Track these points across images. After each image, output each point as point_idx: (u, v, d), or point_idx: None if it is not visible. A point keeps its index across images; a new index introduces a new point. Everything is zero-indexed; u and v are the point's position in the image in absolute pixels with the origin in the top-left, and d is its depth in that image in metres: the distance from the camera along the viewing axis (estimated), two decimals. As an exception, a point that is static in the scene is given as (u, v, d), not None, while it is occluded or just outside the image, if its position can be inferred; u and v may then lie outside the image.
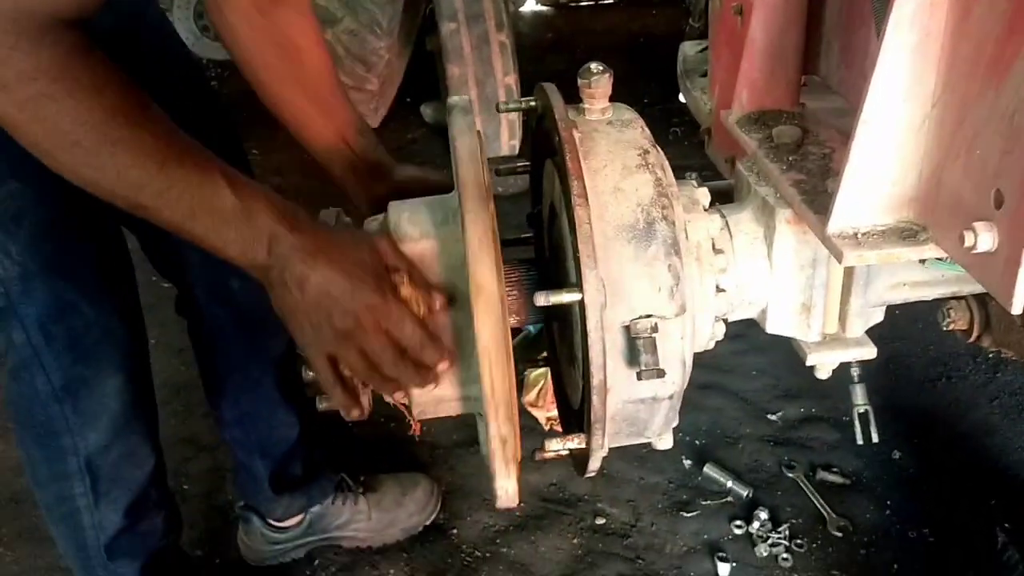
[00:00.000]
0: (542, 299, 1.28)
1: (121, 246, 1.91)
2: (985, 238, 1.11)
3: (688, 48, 3.00)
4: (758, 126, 1.66)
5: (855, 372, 2.12)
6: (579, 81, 1.43)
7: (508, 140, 4.25)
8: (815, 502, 2.59)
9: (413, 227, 1.41)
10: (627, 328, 1.34)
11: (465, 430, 2.91)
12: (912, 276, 1.53)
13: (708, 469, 2.67)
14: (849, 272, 1.49)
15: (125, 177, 1.11)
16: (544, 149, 1.51)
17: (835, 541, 2.49)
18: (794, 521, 2.54)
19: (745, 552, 2.46)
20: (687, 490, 2.67)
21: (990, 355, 3.09)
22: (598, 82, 1.42)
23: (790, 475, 2.68)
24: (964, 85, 1.16)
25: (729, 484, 2.63)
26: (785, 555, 2.43)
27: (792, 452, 2.78)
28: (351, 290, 1.24)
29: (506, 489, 1.34)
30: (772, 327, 1.55)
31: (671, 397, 1.40)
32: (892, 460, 2.74)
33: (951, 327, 1.80)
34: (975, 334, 1.77)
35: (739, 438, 2.85)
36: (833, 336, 1.55)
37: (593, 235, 1.26)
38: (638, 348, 1.32)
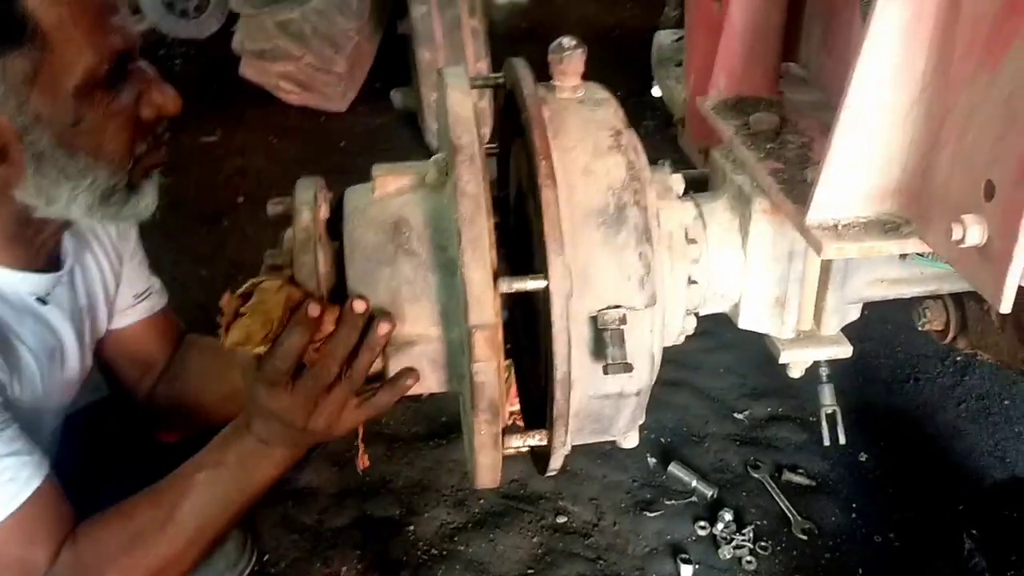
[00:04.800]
0: (504, 286, 1.19)
1: None
2: (974, 231, 1.04)
3: (663, 37, 2.93)
4: (735, 113, 1.59)
5: (823, 372, 2.06)
6: (550, 56, 1.35)
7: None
8: (780, 504, 2.54)
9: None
10: (594, 319, 1.26)
11: (424, 423, 2.83)
12: (891, 272, 1.47)
13: (673, 468, 2.61)
14: (826, 266, 1.42)
15: (185, 547, 1.48)
16: (512, 129, 1.43)
17: (799, 544, 2.44)
18: (759, 523, 2.49)
19: (708, 554, 2.41)
20: (651, 489, 2.60)
21: (958, 358, 3.06)
22: (570, 58, 1.34)
23: (756, 475, 2.63)
24: (956, 69, 1.10)
25: (694, 484, 2.57)
26: (749, 557, 2.38)
27: (758, 452, 2.73)
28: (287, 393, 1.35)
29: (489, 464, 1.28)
30: (744, 322, 1.48)
31: (638, 393, 1.33)
32: (858, 462, 2.70)
33: (926, 327, 1.74)
34: (951, 335, 1.72)
35: (705, 437, 2.80)
36: (807, 333, 1.48)
37: (560, 219, 1.19)
38: (605, 340, 1.25)
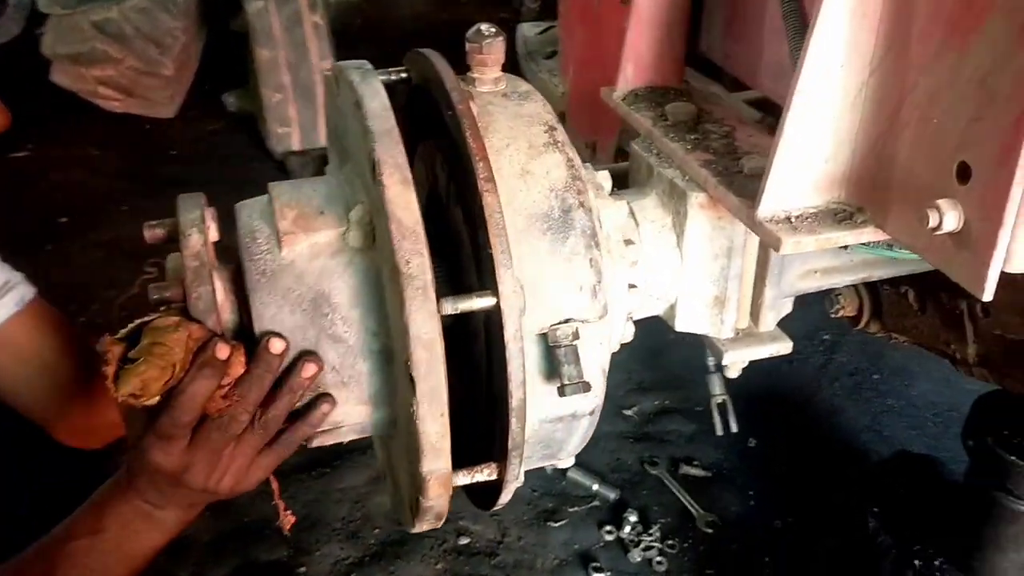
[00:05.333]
0: (448, 307, 1.05)
1: None
2: (950, 217, 0.99)
3: (527, 30, 2.85)
4: (648, 104, 1.51)
5: (711, 362, 2.04)
6: (468, 46, 1.22)
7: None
8: (682, 499, 2.51)
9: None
10: (543, 336, 1.14)
11: (304, 451, 2.61)
12: (823, 263, 1.43)
13: (572, 473, 2.53)
14: (763, 261, 1.36)
15: None
16: (420, 129, 1.28)
17: (706, 538, 2.42)
18: (663, 521, 2.45)
19: (618, 559, 2.35)
20: (552, 498, 2.51)
21: (825, 336, 3.15)
22: (491, 46, 1.21)
23: (653, 472, 2.59)
24: (914, 49, 1.05)
25: (595, 487, 2.50)
26: (659, 558, 2.34)
27: (652, 448, 2.69)
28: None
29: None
30: (682, 324, 1.40)
31: (592, 412, 1.22)
32: (749, 448, 2.71)
33: (840, 314, 1.73)
34: (864, 320, 1.71)
35: (598, 437, 2.70)
36: (746, 331, 1.42)
37: (506, 228, 1.06)
38: (559, 358, 1.13)
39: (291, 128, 3.89)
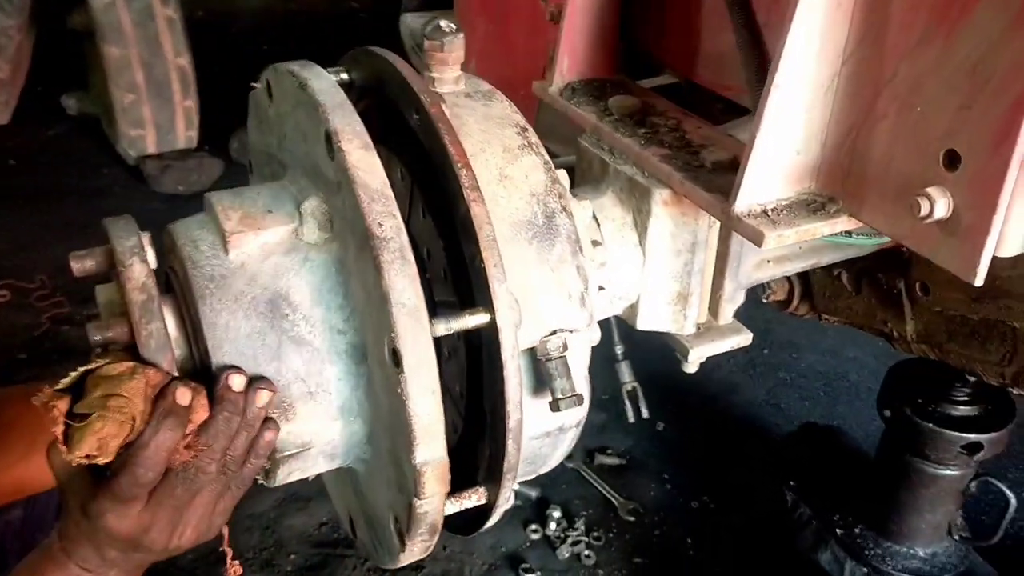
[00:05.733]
0: (441, 327, 0.98)
1: None
2: (940, 205, 1.00)
3: (412, 20, 2.75)
4: (587, 98, 1.46)
5: (619, 350, 2.04)
6: (427, 43, 1.13)
7: (185, 131, 3.69)
8: (601, 489, 2.51)
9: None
10: (533, 349, 1.08)
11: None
12: (776, 252, 1.43)
13: (490, 475, 2.48)
14: (723, 254, 1.35)
15: None
16: (369, 131, 1.19)
17: (629, 526, 2.43)
18: (586, 513, 2.44)
19: (547, 557, 2.32)
20: (473, 502, 2.45)
21: (714, 316, 3.22)
22: (451, 44, 1.13)
23: (570, 465, 2.58)
24: (893, 39, 1.05)
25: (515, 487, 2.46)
26: (587, 552, 2.32)
27: (565, 441, 2.67)
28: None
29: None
30: (644, 323, 1.37)
31: (578, 424, 1.17)
32: (657, 432, 2.74)
33: (770, 299, 1.76)
34: (794, 304, 1.74)
35: (510, 435, 2.69)
36: (706, 326, 1.41)
37: (496, 239, 0.99)
38: (550, 372, 1.07)
39: (145, 130, 3.63)
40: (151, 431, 0.95)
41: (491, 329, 0.99)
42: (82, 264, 1.07)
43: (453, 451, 1.16)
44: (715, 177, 1.23)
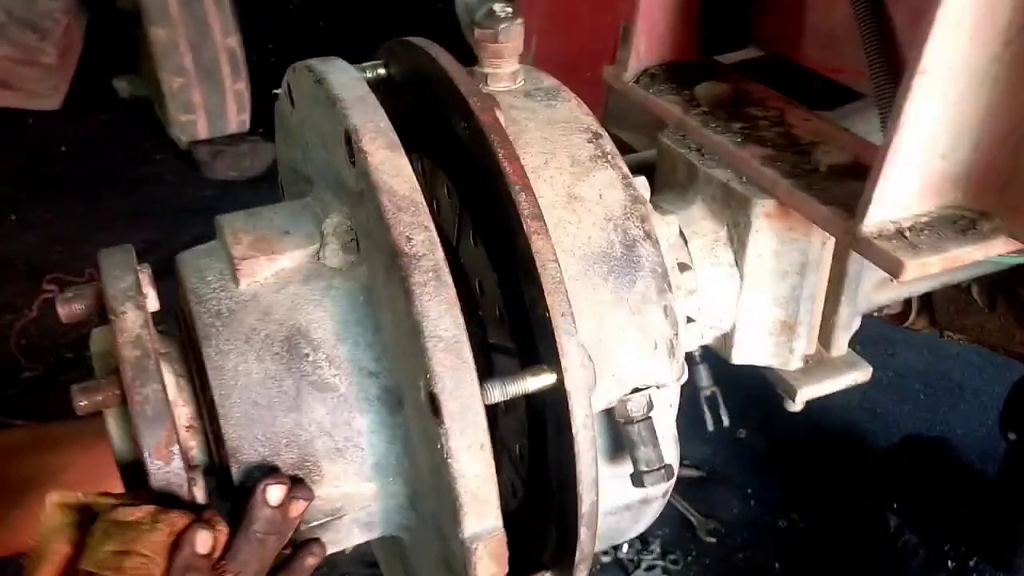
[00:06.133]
0: (496, 393, 0.77)
1: None
2: None
3: (469, -6, 2.53)
4: (670, 85, 1.24)
5: (696, 352, 1.83)
6: (477, 32, 0.93)
7: (236, 115, 3.55)
8: (677, 506, 2.29)
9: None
10: (609, 411, 0.88)
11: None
12: (902, 269, 1.19)
13: (557, 490, 2.29)
14: (838, 276, 1.12)
15: None
16: (410, 138, 0.99)
17: (710, 548, 2.21)
18: (662, 533, 2.23)
19: (620, 583, 2.12)
20: (539, 520, 2.27)
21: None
22: (508, 33, 0.92)
23: (644, 478, 2.36)
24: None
25: (585, 504, 2.27)
26: (663, 577, 2.12)
27: (638, 450, 2.46)
28: None
29: None
30: (740, 356, 1.16)
31: (665, 494, 0.97)
32: (740, 441, 2.51)
33: (883, 313, 1.51)
34: (910, 319, 1.50)
35: (578, 443, 2.49)
36: (816, 359, 1.18)
37: (564, 281, 0.78)
38: (632, 439, 0.87)
39: (196, 115, 3.49)
40: None
41: (558, 392, 0.78)
42: (70, 308, 0.90)
43: (512, 516, 0.97)
44: (832, 185, 1.00)
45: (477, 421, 0.76)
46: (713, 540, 2.23)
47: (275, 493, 0.81)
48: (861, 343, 2.85)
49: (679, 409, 2.46)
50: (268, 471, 0.87)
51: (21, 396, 2.58)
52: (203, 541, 0.78)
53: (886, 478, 2.14)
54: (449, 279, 0.77)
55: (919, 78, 0.85)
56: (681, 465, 2.41)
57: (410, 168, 0.81)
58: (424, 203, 0.79)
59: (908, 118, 0.87)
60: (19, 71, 3.68)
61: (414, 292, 0.76)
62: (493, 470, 0.78)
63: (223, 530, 0.81)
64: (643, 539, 2.20)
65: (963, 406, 2.64)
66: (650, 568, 2.14)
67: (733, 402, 2.51)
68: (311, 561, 0.87)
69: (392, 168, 0.81)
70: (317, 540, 0.88)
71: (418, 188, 0.80)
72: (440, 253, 0.77)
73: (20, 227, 3.33)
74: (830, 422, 2.58)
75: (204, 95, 3.44)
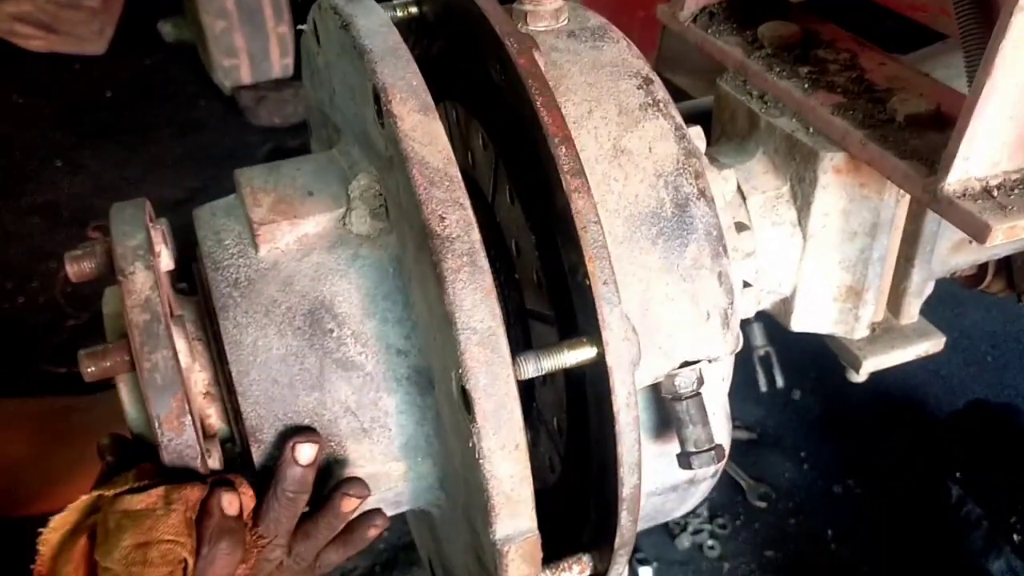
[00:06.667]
0: (530, 367, 0.70)
1: None
2: None
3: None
4: (730, 25, 1.14)
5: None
6: (514, -37, 0.84)
7: (280, 59, 3.48)
8: (727, 469, 2.21)
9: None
10: (656, 386, 0.80)
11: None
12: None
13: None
14: (912, 237, 1.02)
15: None
16: (441, 87, 0.90)
17: (759, 513, 2.14)
18: (710, 496, 2.14)
19: (664, 547, 2.06)
20: (583, 479, 2.21)
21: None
22: (550, -36, 0.82)
23: (692, 439, 2.29)
24: None
25: (630, 464, 2.21)
26: (710, 542, 2.06)
27: (687, 409, 2.39)
28: None
29: None
30: (800, 323, 1.07)
31: (715, 474, 0.89)
32: (793, 402, 2.42)
33: (956, 275, 1.40)
34: (986, 281, 1.39)
35: (624, 401, 2.43)
36: (883, 326, 1.09)
37: (606, 244, 0.70)
38: (680, 417, 0.80)
39: (239, 59, 3.43)
40: (206, 564, 0.73)
41: (599, 368, 0.71)
42: (79, 267, 0.85)
43: (550, 492, 0.91)
44: (911, 137, 0.90)
45: (512, 420, 0.70)
46: (763, 505, 2.15)
47: (306, 452, 0.78)
48: (927, 301, 2.73)
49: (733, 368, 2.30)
50: (296, 429, 0.82)
51: (66, 344, 2.58)
52: (229, 502, 0.75)
53: (949, 445, 2.04)
54: (485, 263, 0.69)
55: (1018, 14, 0.74)
56: (732, 427, 2.34)
57: (444, 135, 0.73)
58: (459, 176, 0.72)
59: (1006, 59, 0.76)
60: (64, 15, 3.65)
61: (447, 279, 0.69)
62: (528, 470, 0.72)
63: (247, 492, 0.77)
64: (690, 502, 2.14)
65: (1033, 370, 2.51)
66: (697, 532, 2.08)
67: (787, 362, 2.42)
68: (372, 533, 0.85)
69: (425, 135, 0.73)
70: (379, 511, 0.85)
71: (452, 158, 0.72)
72: (476, 235, 0.70)
73: (66, 173, 3.32)
74: (890, 384, 2.47)
75: (247, 38, 3.37)
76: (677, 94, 1.61)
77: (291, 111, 3.46)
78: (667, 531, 2.09)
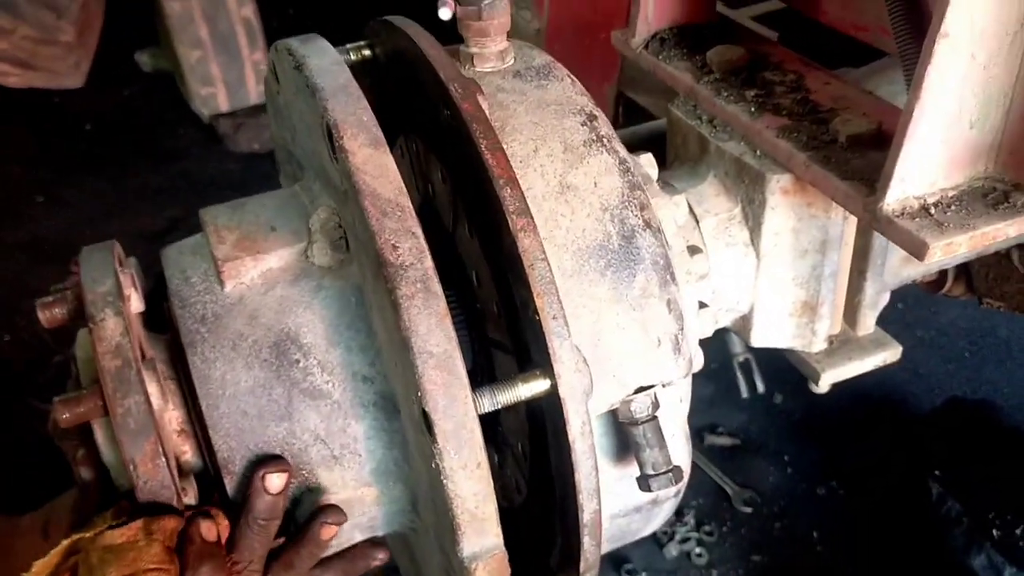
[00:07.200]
0: (486, 402, 0.73)
1: None
2: None
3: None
4: (680, 50, 1.17)
5: None
6: (460, 11, 0.86)
7: (256, 86, 3.50)
8: (712, 476, 2.24)
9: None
10: (614, 412, 0.83)
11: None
12: (931, 239, 1.11)
13: (588, 462, 2.25)
14: (863, 251, 1.05)
15: None
16: (398, 122, 0.93)
17: (745, 518, 2.16)
18: (696, 503, 2.19)
19: (653, 556, 2.08)
20: (569, 493, 2.23)
21: (837, 265, 2.87)
22: (492, 9, 0.86)
23: (676, 448, 2.31)
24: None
25: (616, 476, 2.23)
26: (697, 549, 2.08)
27: (670, 418, 2.41)
28: None
29: None
30: (760, 339, 1.10)
31: (678, 493, 0.92)
32: (775, 406, 2.44)
33: (917, 281, 1.43)
34: (947, 286, 1.42)
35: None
36: (841, 339, 1.12)
37: (554, 278, 0.73)
38: (637, 441, 0.82)
39: (215, 87, 3.45)
40: None
41: (553, 398, 0.73)
42: (50, 313, 0.87)
43: (517, 512, 0.93)
44: (852, 157, 0.93)
45: (473, 439, 0.72)
46: (749, 510, 2.17)
47: (275, 481, 0.80)
48: (903, 300, 2.76)
49: (713, 376, 2.39)
50: (266, 458, 0.84)
51: (52, 380, 2.60)
52: (208, 529, 0.78)
53: (929, 443, 2.07)
54: (439, 289, 0.72)
55: (941, 42, 0.77)
56: (715, 433, 2.37)
57: (395, 168, 0.76)
58: (410, 207, 0.74)
59: (929, 84, 0.79)
60: (40, 51, 3.66)
61: (401, 305, 0.71)
62: (491, 487, 0.74)
63: (223, 521, 0.79)
64: (677, 510, 2.15)
65: (1010, 363, 2.54)
66: (684, 540, 2.10)
67: (767, 367, 2.46)
68: (325, 532, 0.85)
69: (376, 168, 0.76)
70: (383, 545, 0.88)
71: (404, 189, 0.75)
72: (429, 262, 0.73)
73: (48, 210, 3.33)
74: (869, 384, 2.48)
75: (222, 67, 3.40)
76: (639, 113, 1.64)
77: (269, 137, 3.48)
78: (655, 540, 2.11)
